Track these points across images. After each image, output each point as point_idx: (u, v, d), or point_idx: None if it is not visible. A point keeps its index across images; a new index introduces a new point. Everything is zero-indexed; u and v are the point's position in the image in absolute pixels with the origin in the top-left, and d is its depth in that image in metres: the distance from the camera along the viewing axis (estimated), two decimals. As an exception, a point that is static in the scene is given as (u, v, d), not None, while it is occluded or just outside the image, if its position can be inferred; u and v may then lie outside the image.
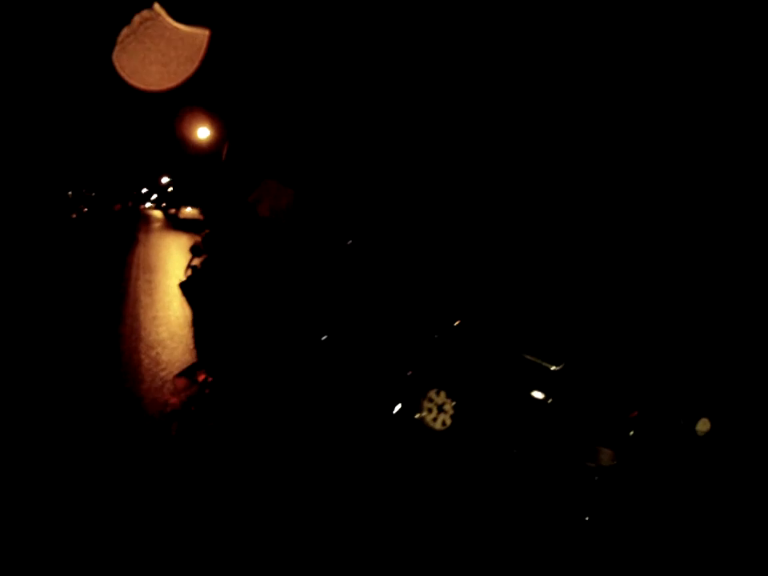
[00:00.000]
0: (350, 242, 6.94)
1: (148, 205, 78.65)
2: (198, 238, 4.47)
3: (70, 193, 29.75)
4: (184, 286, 4.32)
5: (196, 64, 2.44)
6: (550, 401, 4.86)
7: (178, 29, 2.43)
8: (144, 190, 79.27)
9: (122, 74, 2.48)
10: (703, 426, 4.52)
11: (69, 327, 8.71)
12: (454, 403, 5.51)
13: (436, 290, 6.52)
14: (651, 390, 4.63)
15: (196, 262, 4.36)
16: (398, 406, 5.71)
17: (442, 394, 5.62)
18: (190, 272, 4.31)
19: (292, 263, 4.38)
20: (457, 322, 5.82)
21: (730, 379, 5.01)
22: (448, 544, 3.94)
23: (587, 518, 4.29)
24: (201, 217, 32.29)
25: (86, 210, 29.79)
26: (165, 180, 62.52)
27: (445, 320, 5.91)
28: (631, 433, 4.39)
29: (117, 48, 2.48)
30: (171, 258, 18.78)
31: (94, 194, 40.63)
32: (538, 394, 4.95)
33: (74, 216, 27.39)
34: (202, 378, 4.40)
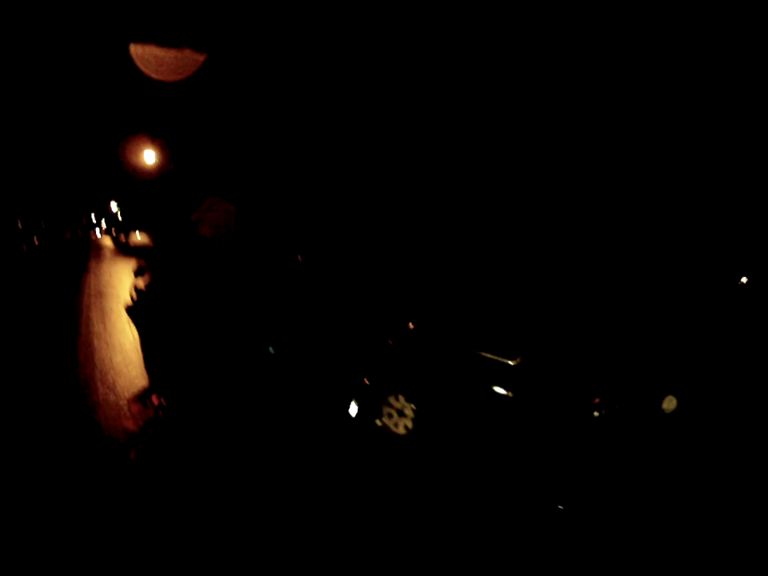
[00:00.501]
0: (300, 256, 6.93)
1: (98, 232, 76.87)
2: (143, 261, 4.41)
3: (19, 224, 28.83)
4: (130, 310, 4.25)
5: (205, 55, 2.43)
6: (511, 395, 4.89)
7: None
8: (93, 218, 77.45)
9: (138, 63, 2.46)
10: (669, 403, 4.52)
11: (23, 357, 8.48)
12: (413, 406, 5.54)
13: (386, 297, 6.55)
14: (613, 372, 4.67)
15: (140, 284, 4.29)
16: (354, 407, 5.67)
17: (401, 398, 5.65)
18: (135, 294, 4.24)
19: (236, 279, 4.35)
20: (410, 326, 5.85)
21: (694, 356, 5.04)
22: (418, 543, 3.96)
23: (561, 507, 4.31)
24: (150, 242, 31.72)
25: (36, 240, 28.92)
26: (113, 207, 61.30)
27: (397, 324, 5.94)
28: (596, 414, 4.40)
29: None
30: (122, 284, 18.39)
31: (43, 224, 39.49)
32: (498, 390, 4.98)
33: (24, 247, 26.56)
34: (155, 401, 4.34)
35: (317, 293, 6.36)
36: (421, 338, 5.82)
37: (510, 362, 5.00)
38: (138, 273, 4.21)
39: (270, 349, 4.99)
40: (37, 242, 28.21)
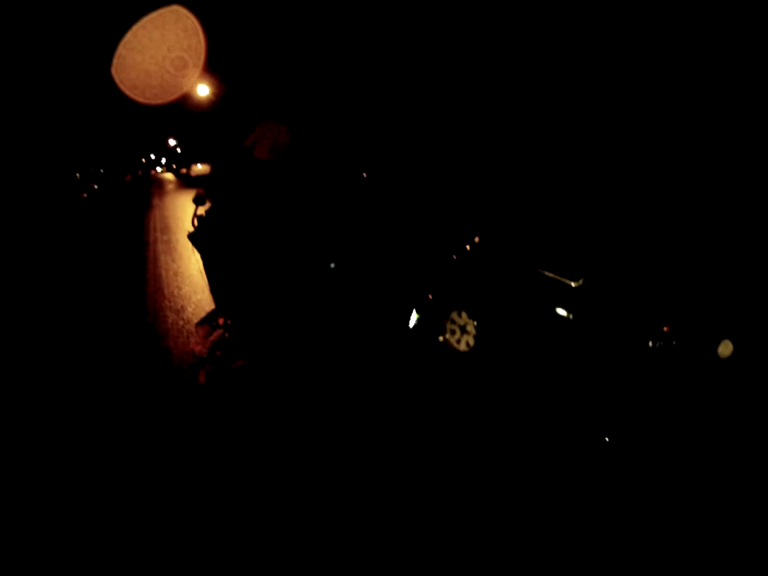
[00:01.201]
0: (364, 174, 6.78)
1: (158, 169, 78.33)
2: (201, 189, 4.45)
3: (78, 174, 29.10)
4: (192, 237, 4.34)
5: (193, 77, 2.36)
6: (571, 317, 4.79)
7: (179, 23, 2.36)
8: (152, 156, 78.85)
9: (122, 87, 2.43)
10: (725, 348, 4.25)
11: (95, 295, 8.90)
12: (476, 323, 5.51)
13: (450, 211, 6.39)
14: (673, 306, 4.42)
15: (201, 211, 4.36)
16: (414, 318, 5.65)
17: (464, 314, 5.62)
18: (196, 222, 4.31)
19: (295, 197, 4.34)
20: (476, 239, 5.72)
21: (759, 302, 4.71)
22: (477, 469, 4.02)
23: (606, 439, 4.21)
24: (210, 171, 32.14)
25: (96, 186, 29.25)
26: (171, 142, 62.18)
27: (462, 240, 5.83)
28: (652, 344, 4.23)
29: (115, 62, 2.41)
30: (187, 216, 18.78)
31: (102, 170, 40.00)
32: (559, 311, 4.88)
33: (85, 195, 26.96)
34: (221, 322, 4.47)
35: (381, 207, 6.24)
36: (485, 254, 5.71)
37: (572, 284, 4.85)
38: (197, 201, 4.26)
39: (331, 264, 5.01)
40: (96, 188, 28.47)
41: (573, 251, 5.15)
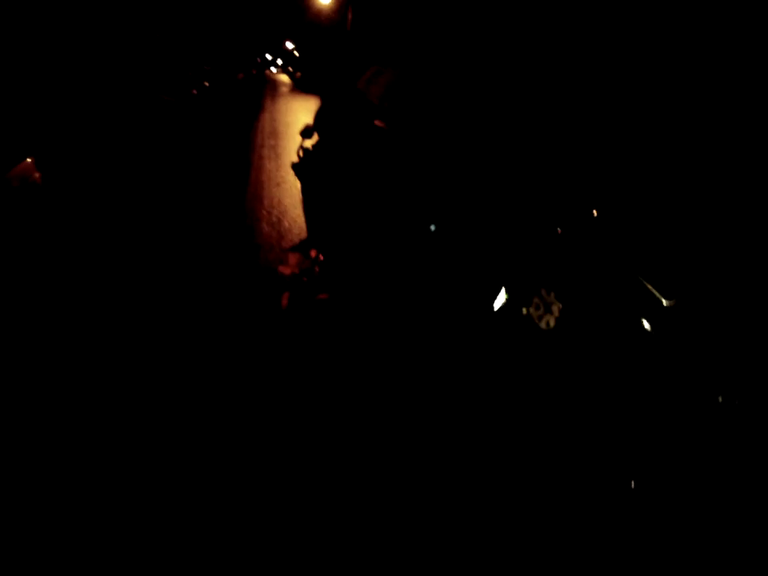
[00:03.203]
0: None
1: (273, 70, 78.30)
2: (310, 122, 4.39)
3: (189, 72, 29.05)
4: (296, 168, 4.34)
5: None
6: (653, 334, 4.48)
7: None
8: (268, 56, 78.75)
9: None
10: None
11: (193, 196, 8.92)
12: (560, 306, 5.32)
13: (568, 181, 6.03)
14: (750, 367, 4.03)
15: (308, 144, 4.33)
16: (502, 299, 5.54)
17: (552, 294, 5.44)
18: (302, 153, 4.29)
19: (403, 147, 4.22)
20: (594, 213, 5.40)
21: None
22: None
23: (632, 484, 3.98)
24: (325, 79, 31.78)
25: (207, 84, 29.34)
26: (289, 45, 61.85)
27: (573, 214, 5.52)
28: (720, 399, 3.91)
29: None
30: (298, 123, 18.54)
31: (214, 66, 39.86)
32: (644, 323, 4.58)
33: (195, 92, 27.07)
34: (313, 254, 4.52)
35: (492, 167, 5.97)
36: (590, 238, 5.41)
37: (664, 301, 4.51)
38: (304, 133, 4.23)
39: (432, 226, 4.90)
40: (208, 85, 28.39)
41: (677, 269, 4.77)
